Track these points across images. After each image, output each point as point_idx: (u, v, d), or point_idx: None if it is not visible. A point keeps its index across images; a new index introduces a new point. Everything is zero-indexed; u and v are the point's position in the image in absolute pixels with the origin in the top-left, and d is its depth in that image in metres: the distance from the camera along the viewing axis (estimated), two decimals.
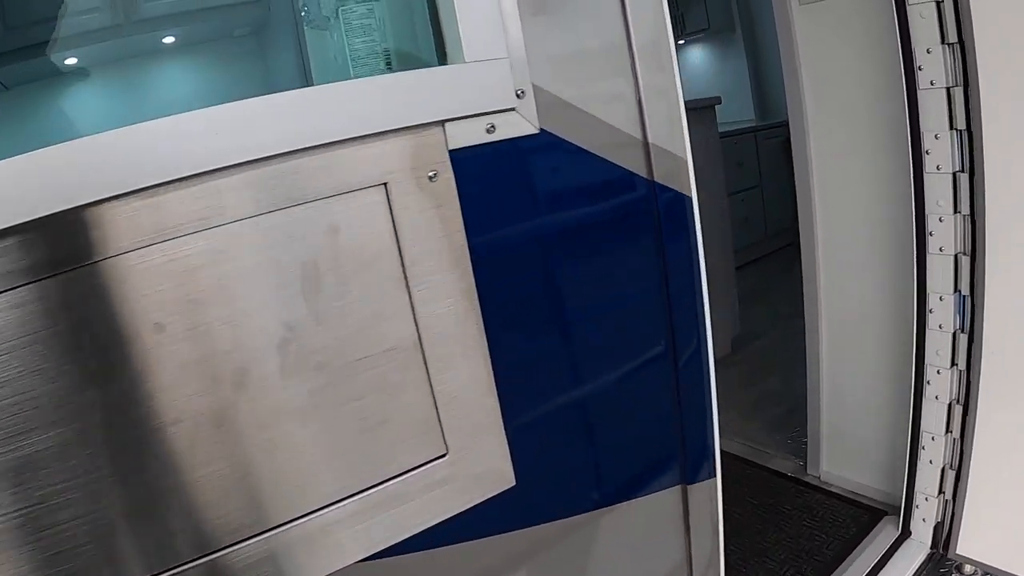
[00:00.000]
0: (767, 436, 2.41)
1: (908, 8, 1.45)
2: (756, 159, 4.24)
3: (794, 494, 2.11)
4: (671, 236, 0.92)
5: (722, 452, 2.28)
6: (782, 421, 2.46)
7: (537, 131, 0.80)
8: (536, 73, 0.79)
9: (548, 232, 0.84)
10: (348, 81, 0.72)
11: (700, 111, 2.85)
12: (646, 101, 0.90)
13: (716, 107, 3.03)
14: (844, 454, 2.05)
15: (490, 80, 0.76)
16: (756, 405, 2.64)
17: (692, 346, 1.01)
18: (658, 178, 0.90)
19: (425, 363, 0.76)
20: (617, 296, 0.92)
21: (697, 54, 4.94)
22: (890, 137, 1.61)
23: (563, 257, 0.87)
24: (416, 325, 0.75)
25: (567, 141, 0.83)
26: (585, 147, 0.84)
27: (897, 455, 1.80)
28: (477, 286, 0.78)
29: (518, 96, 0.78)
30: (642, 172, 0.89)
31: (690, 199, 0.91)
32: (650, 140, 0.91)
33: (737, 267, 4.33)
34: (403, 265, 0.74)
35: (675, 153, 0.93)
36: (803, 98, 1.78)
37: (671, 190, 0.91)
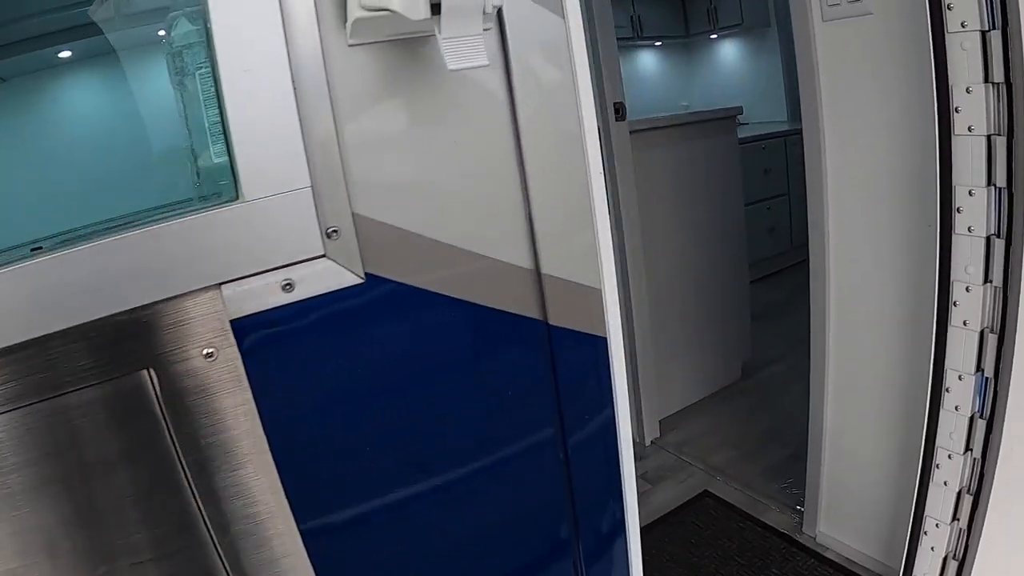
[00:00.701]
0: (766, 483, 2.19)
1: (947, 37, 1.20)
2: (785, 165, 3.95)
3: (785, 556, 1.90)
4: (574, 390, 0.69)
5: (716, 499, 2.07)
6: (784, 466, 2.24)
7: (362, 280, 0.59)
8: (361, 200, 0.57)
9: (386, 415, 0.62)
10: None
11: (719, 121, 2.60)
12: (540, 216, 0.67)
13: (743, 109, 2.78)
14: (843, 516, 1.83)
15: (284, 220, 0.55)
16: (760, 444, 2.42)
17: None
18: (555, 319, 0.68)
19: None
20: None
21: (729, 50, 4.63)
22: (916, 187, 1.36)
23: (410, 446, 0.65)
24: (212, 541, 0.56)
25: (411, 287, 0.60)
26: (440, 291, 0.61)
27: (900, 526, 1.58)
28: (294, 479, 0.59)
29: (329, 236, 0.57)
30: (532, 313, 0.67)
31: (604, 341, 0.69)
32: (544, 270, 0.67)
33: (760, 278, 4.09)
34: (183, 466, 0.55)
35: (585, 284, 0.70)
36: (821, 128, 1.54)
37: (578, 334, 0.69)
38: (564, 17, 0.67)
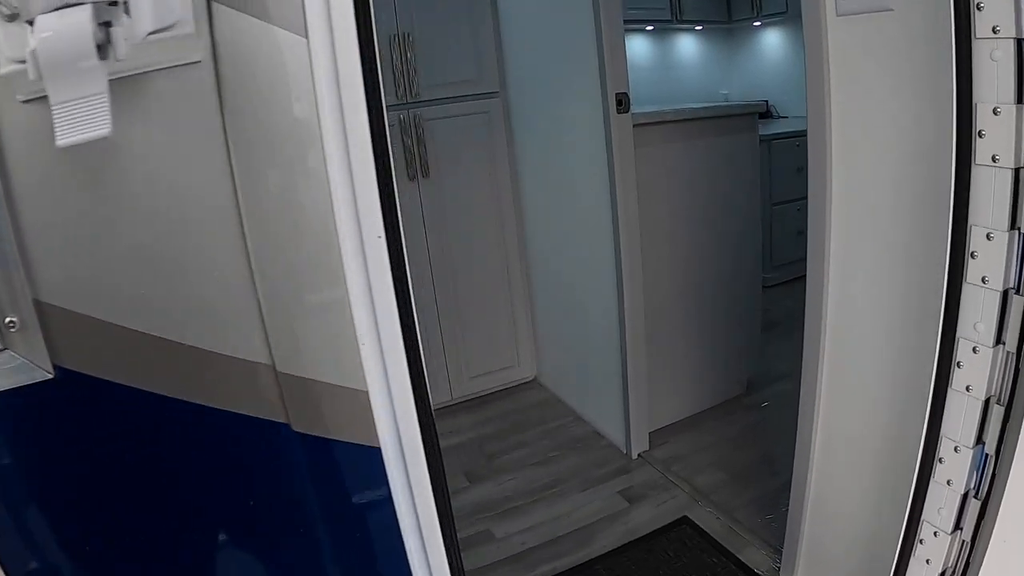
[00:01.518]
0: (750, 514, 1.99)
1: (974, 43, 0.97)
2: None
3: None
4: (334, 514, 0.51)
5: (694, 527, 1.87)
6: (772, 497, 2.03)
7: (50, 374, 0.44)
8: (46, 286, 0.43)
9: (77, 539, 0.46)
10: None
11: (737, 118, 2.35)
12: (272, 301, 0.50)
13: (766, 105, 2.51)
14: (822, 572, 1.62)
15: None
16: (752, 469, 2.21)
17: None
18: (299, 424, 0.50)
19: None
20: None
21: (772, 39, 4.29)
22: (925, 220, 1.13)
23: None
24: None
25: (114, 384, 0.45)
26: (151, 389, 0.45)
27: None
28: None
29: (9, 328, 0.43)
30: (274, 415, 0.49)
31: (377, 451, 0.51)
32: (280, 368, 0.50)
33: (784, 282, 3.81)
34: None
35: (337, 384, 0.51)
36: (828, 138, 1.31)
37: (337, 443, 0.51)
38: (307, 36, 0.50)
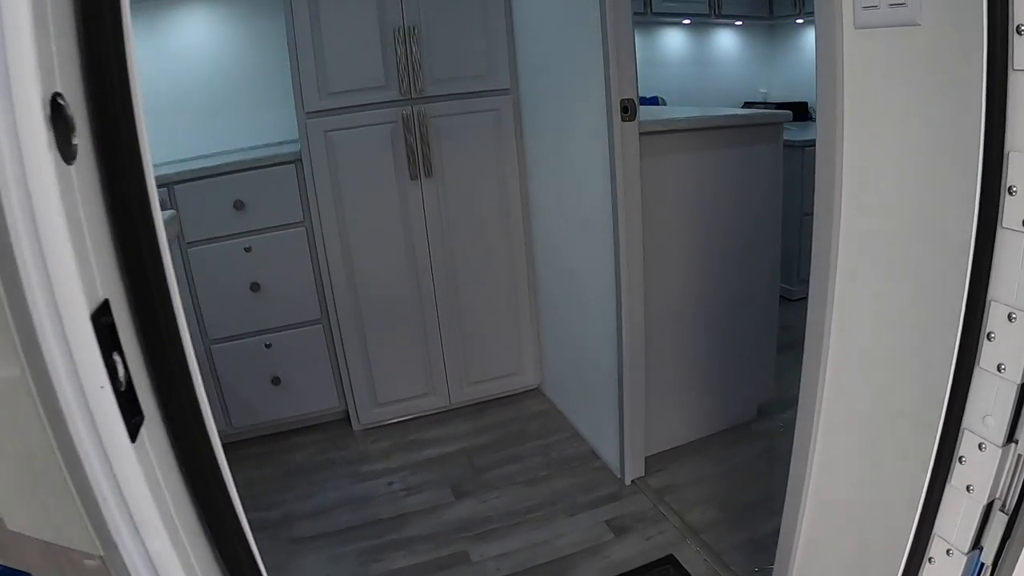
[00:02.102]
0: (740, 558, 1.82)
1: (1010, 76, 0.78)
2: None
3: None
4: None
5: (679, 568, 1.72)
6: (765, 542, 1.85)
7: None
8: None
9: None
10: None
11: (759, 128, 2.14)
12: None
13: (792, 116, 2.30)
14: None
15: None
16: (749, 506, 2.03)
17: None
18: None
19: None
20: None
21: (814, 38, 4.02)
22: (937, 281, 0.94)
23: None
24: None
25: None
26: None
27: None
28: None
29: None
30: None
31: None
32: None
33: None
34: None
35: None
36: (838, 161, 1.12)
37: None
38: None
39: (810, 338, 1.23)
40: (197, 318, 2.49)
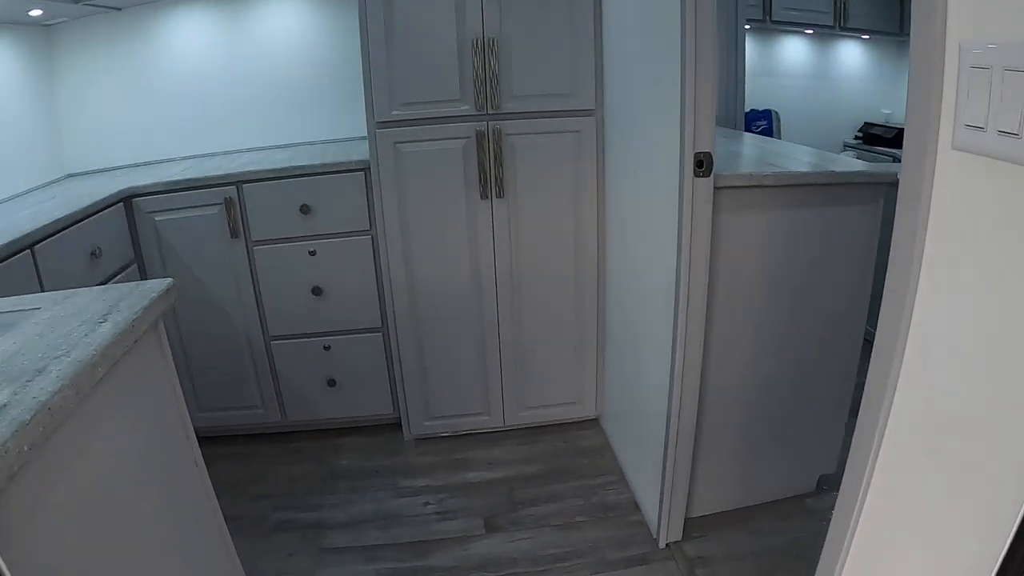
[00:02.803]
0: None
1: None
2: None
3: None
4: None
5: None
6: None
7: None
8: None
9: None
10: None
11: (857, 187, 1.89)
12: None
13: (897, 176, 2.02)
14: None
15: None
16: None
17: None
18: None
19: None
20: None
21: None
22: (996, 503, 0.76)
23: None
24: None
25: None
26: None
27: None
28: None
29: None
30: None
31: None
32: None
33: None
34: None
35: None
36: (902, 334, 0.93)
37: None
38: None
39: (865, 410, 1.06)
40: (260, 314, 2.52)
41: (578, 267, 2.49)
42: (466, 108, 2.27)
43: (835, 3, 3.68)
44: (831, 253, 1.94)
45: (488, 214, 2.37)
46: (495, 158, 2.31)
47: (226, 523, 1.42)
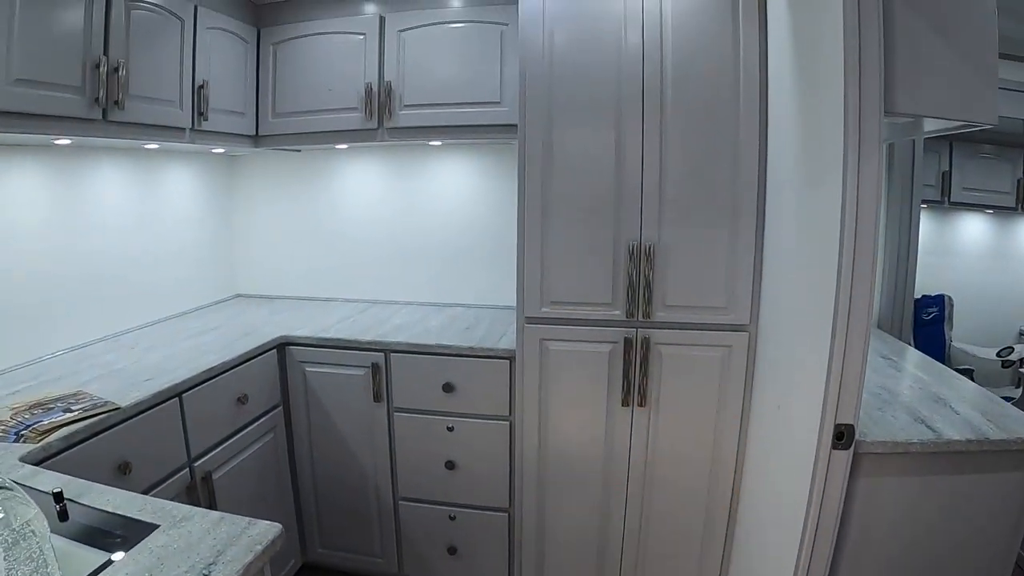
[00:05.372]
0: None
1: None
2: None
3: None
4: None
5: None
6: None
7: None
8: None
9: None
10: None
11: (1007, 455, 1.61)
12: None
13: None
14: None
15: None
16: None
17: None
18: None
19: None
20: None
21: None
22: None
23: None
24: None
25: None
26: None
27: None
28: None
29: None
30: None
31: None
32: None
33: None
34: None
35: None
36: None
37: None
38: None
39: None
40: (392, 474, 2.53)
41: (711, 487, 2.28)
42: (617, 313, 2.19)
43: (1018, 183, 3.33)
44: (974, 523, 1.66)
45: (627, 421, 2.25)
46: (641, 366, 2.20)
47: None
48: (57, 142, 2.16)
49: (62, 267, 2.33)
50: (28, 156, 2.18)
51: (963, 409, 1.88)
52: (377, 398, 2.46)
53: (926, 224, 3.33)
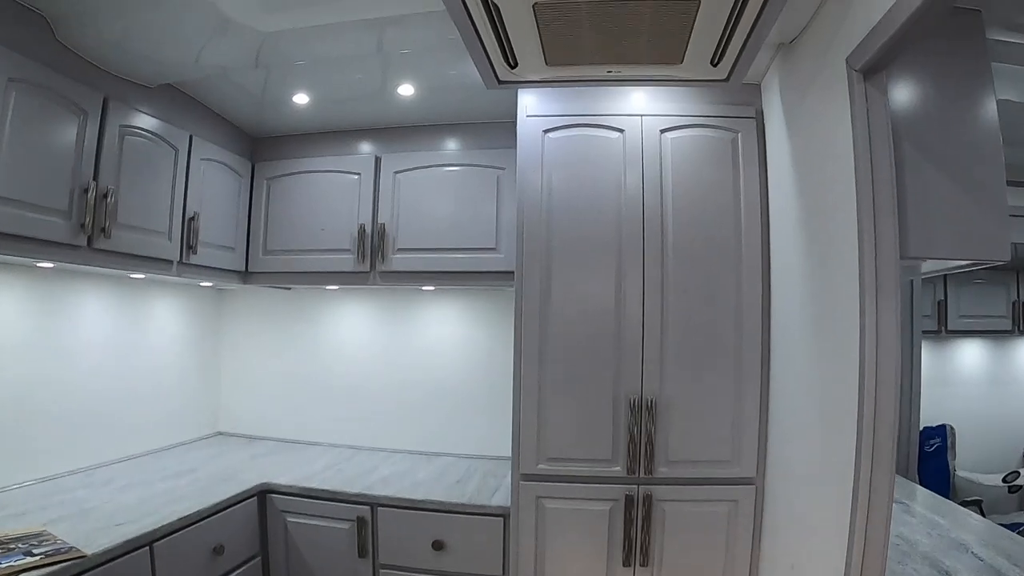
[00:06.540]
0: None
1: None
2: None
3: None
4: None
5: None
6: None
7: None
8: None
9: None
10: None
11: None
12: None
13: None
14: None
15: None
16: None
17: None
18: None
19: None
20: None
21: None
22: None
23: None
24: None
25: None
26: None
27: None
28: None
29: None
30: None
31: None
32: None
33: None
34: None
35: None
36: None
37: None
38: None
39: None
40: None
41: None
42: (617, 470, 2.07)
43: (1013, 307, 3.31)
44: None
45: None
46: (643, 524, 2.06)
47: None
48: (40, 265, 2.07)
49: (38, 392, 2.20)
50: (10, 275, 2.09)
51: (985, 554, 1.76)
52: (362, 553, 2.28)
53: (925, 354, 3.27)
